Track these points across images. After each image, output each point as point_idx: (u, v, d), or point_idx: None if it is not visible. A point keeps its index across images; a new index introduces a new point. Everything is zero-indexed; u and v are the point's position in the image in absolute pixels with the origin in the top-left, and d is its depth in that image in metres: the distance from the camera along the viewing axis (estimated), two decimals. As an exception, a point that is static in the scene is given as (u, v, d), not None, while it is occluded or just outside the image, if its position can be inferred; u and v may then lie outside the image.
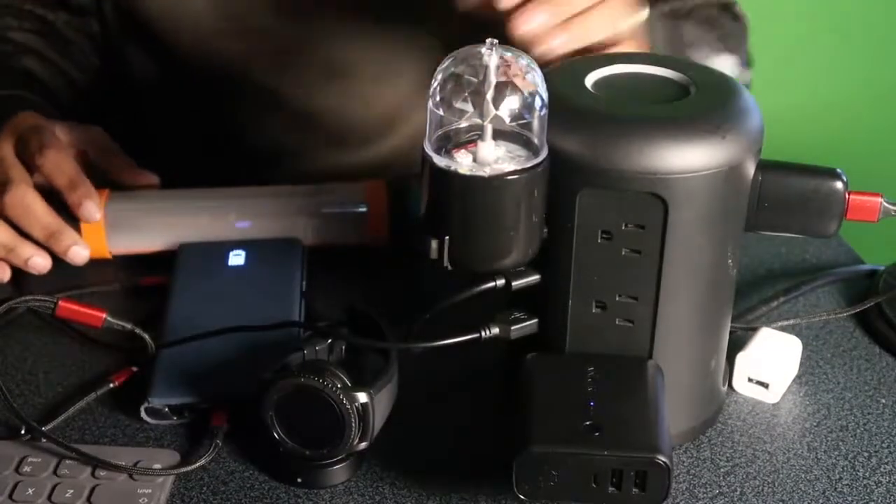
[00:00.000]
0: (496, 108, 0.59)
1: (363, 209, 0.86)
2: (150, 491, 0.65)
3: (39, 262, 0.82)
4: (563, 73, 0.67)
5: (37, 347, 0.78)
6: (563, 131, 0.61)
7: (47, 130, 0.85)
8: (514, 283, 0.64)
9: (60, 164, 0.83)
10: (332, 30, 0.96)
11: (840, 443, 0.71)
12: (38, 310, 0.78)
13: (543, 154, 0.60)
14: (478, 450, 0.68)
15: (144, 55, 1.03)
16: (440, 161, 0.59)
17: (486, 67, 0.58)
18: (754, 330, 0.76)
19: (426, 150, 0.60)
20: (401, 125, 1.02)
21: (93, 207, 0.82)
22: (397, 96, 1.00)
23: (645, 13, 0.76)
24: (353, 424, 0.63)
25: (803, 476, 0.68)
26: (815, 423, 0.72)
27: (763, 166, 0.65)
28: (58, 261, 0.84)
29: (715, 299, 0.67)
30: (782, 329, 0.77)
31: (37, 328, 0.79)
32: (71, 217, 0.83)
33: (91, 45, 1.05)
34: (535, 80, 0.59)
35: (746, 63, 1.02)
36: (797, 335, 0.76)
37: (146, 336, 0.75)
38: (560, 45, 0.71)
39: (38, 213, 0.81)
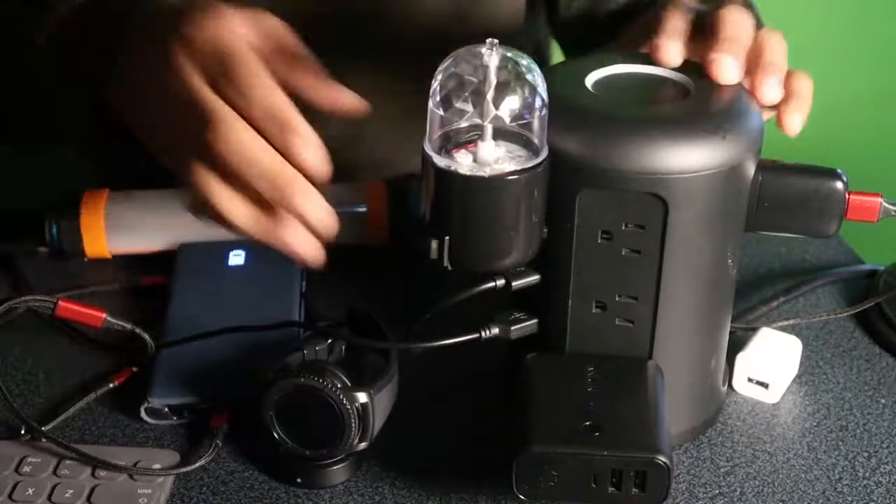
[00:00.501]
0: (496, 108, 0.59)
1: (363, 209, 0.86)
2: (149, 491, 0.65)
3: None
4: (563, 73, 0.67)
5: (37, 347, 0.78)
6: (563, 131, 0.61)
7: (241, 51, 0.63)
8: (514, 283, 0.64)
9: (271, 106, 0.62)
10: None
11: (840, 443, 0.71)
12: (38, 310, 0.77)
13: (544, 154, 0.60)
14: (478, 450, 0.68)
15: None
16: (440, 161, 0.59)
17: (487, 67, 0.58)
18: (754, 330, 0.76)
19: (426, 149, 0.60)
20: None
21: (317, 154, 0.62)
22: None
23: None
24: (353, 424, 0.63)
25: (803, 476, 0.68)
26: (815, 423, 0.72)
27: (763, 166, 0.65)
28: (57, 261, 0.84)
29: (715, 299, 0.67)
30: (782, 329, 0.77)
31: (37, 328, 0.79)
32: None
33: None
34: (535, 81, 0.59)
35: None
36: (797, 335, 0.76)
37: (146, 336, 0.75)
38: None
39: (264, 155, 0.62)
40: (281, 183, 0.61)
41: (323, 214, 0.63)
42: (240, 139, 0.61)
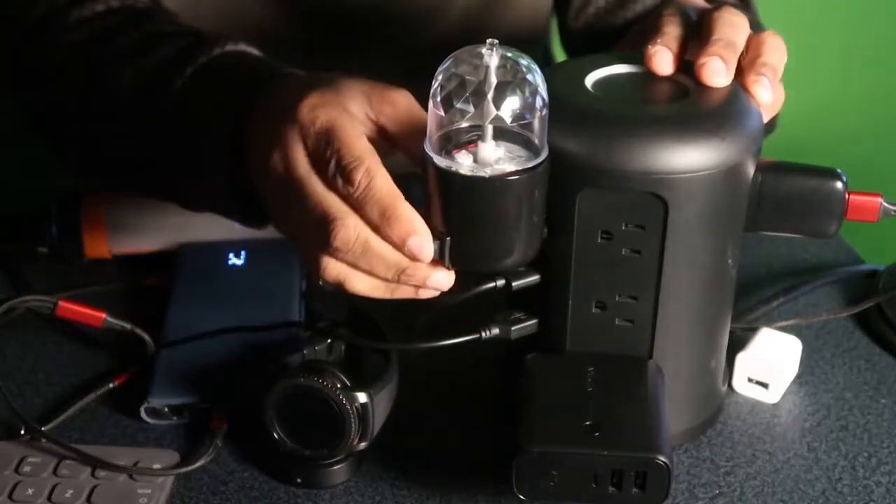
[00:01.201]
0: (497, 108, 0.59)
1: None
2: (149, 491, 0.65)
3: (443, 279, 0.62)
4: (563, 73, 0.67)
5: (37, 347, 0.78)
6: (563, 131, 0.61)
7: (348, 133, 0.61)
8: (514, 283, 0.64)
9: (376, 194, 0.60)
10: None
11: (840, 443, 0.71)
12: (38, 310, 0.77)
13: (544, 154, 0.60)
14: (478, 450, 0.68)
15: None
16: (441, 161, 0.59)
17: (487, 67, 0.58)
18: (754, 330, 0.76)
19: (427, 150, 0.60)
20: None
21: (420, 244, 0.60)
22: None
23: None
24: (353, 424, 0.63)
25: (803, 476, 0.68)
26: (815, 423, 0.72)
27: (763, 166, 0.65)
28: (57, 261, 0.84)
29: (715, 299, 0.67)
30: (782, 329, 0.77)
31: (37, 328, 0.79)
32: None
33: None
34: (535, 81, 0.59)
35: None
36: (797, 335, 0.76)
37: (146, 336, 0.75)
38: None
39: (380, 249, 0.61)
40: (401, 272, 0.61)
41: (444, 286, 0.62)
42: (353, 236, 0.60)
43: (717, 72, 0.65)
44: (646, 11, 0.93)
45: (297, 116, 0.62)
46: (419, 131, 0.62)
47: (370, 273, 0.62)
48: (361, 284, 0.62)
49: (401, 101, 0.64)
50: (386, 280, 0.62)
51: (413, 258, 0.60)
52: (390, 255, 0.61)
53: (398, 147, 0.64)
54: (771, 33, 0.69)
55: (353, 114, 0.63)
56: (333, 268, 0.62)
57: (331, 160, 0.61)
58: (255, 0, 0.96)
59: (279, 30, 0.97)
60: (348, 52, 0.95)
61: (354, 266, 0.61)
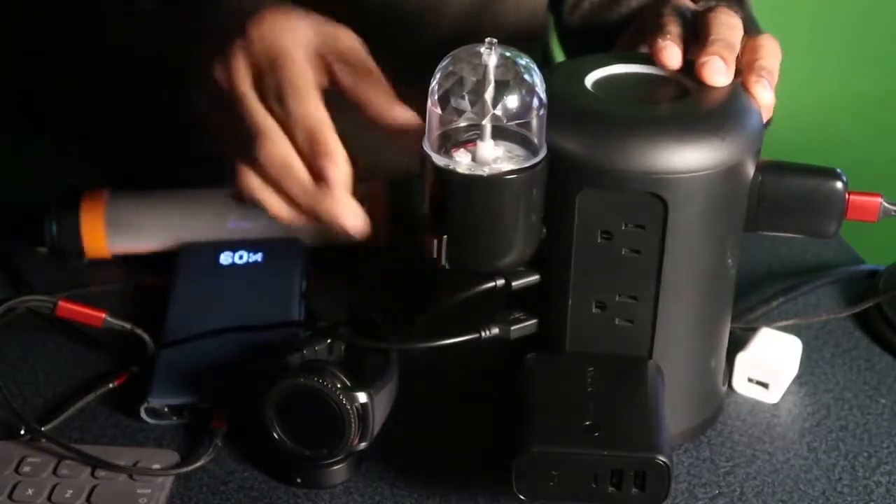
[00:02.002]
0: (495, 107, 0.59)
1: (363, 209, 0.86)
2: (149, 491, 0.65)
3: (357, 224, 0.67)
4: (563, 73, 0.67)
5: (37, 347, 0.78)
6: (562, 131, 0.61)
7: (292, 61, 0.67)
8: (514, 283, 0.64)
9: (309, 126, 0.66)
10: None
11: (840, 443, 0.71)
12: (38, 310, 0.78)
13: (542, 153, 0.60)
14: (478, 450, 0.68)
15: None
16: (439, 160, 0.59)
17: (486, 67, 0.58)
18: (754, 330, 0.76)
19: (425, 149, 0.60)
20: None
21: (335, 170, 0.65)
22: None
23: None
24: (353, 424, 0.63)
25: (803, 476, 0.68)
26: (815, 423, 0.72)
27: (763, 166, 0.65)
28: (57, 261, 0.84)
29: (715, 299, 0.67)
30: (782, 329, 0.77)
31: (37, 328, 0.79)
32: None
33: None
34: (533, 80, 0.59)
35: None
36: (797, 335, 0.76)
37: (146, 336, 0.75)
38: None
39: (298, 170, 0.66)
40: (313, 196, 0.66)
41: (354, 220, 0.67)
42: (278, 153, 0.65)
43: (717, 71, 0.65)
44: (640, 7, 0.94)
45: (247, 35, 0.67)
46: (359, 73, 0.68)
47: (286, 194, 0.67)
48: (275, 203, 0.68)
49: (346, 42, 0.69)
50: (298, 206, 0.67)
51: (326, 183, 0.65)
52: (307, 179, 0.66)
53: (338, 83, 0.68)
54: (767, 36, 0.70)
55: (301, 44, 0.67)
56: (253, 181, 0.67)
57: (272, 83, 0.66)
58: None
59: None
60: None
61: (274, 185, 0.67)
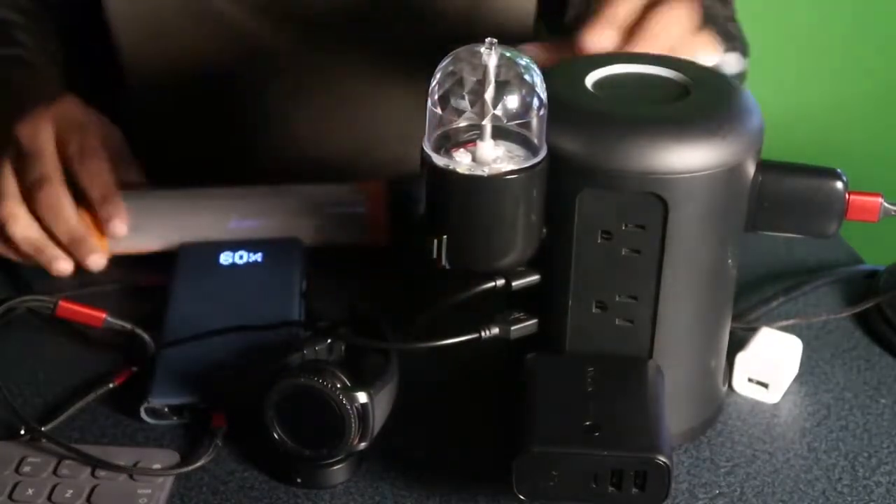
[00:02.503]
0: (495, 107, 0.59)
1: (363, 209, 0.86)
2: (149, 491, 0.65)
3: (64, 266, 0.83)
4: (563, 73, 0.67)
5: (37, 347, 0.78)
6: (562, 131, 0.61)
7: (90, 132, 0.85)
8: (514, 283, 0.64)
9: (97, 176, 0.83)
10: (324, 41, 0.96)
11: (840, 443, 0.71)
12: (38, 310, 0.78)
13: (542, 154, 0.60)
14: (478, 450, 0.68)
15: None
16: (439, 160, 0.59)
17: (486, 67, 0.58)
18: (754, 330, 0.76)
19: (425, 149, 0.60)
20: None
21: (121, 225, 0.83)
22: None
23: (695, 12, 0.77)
24: (353, 424, 0.63)
25: (803, 476, 0.68)
26: (815, 423, 0.72)
27: (763, 166, 0.65)
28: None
29: (715, 299, 0.67)
30: (782, 329, 0.77)
31: (37, 328, 0.79)
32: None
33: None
34: (533, 80, 0.59)
35: (744, 53, 1.02)
36: (797, 335, 0.76)
37: (146, 336, 0.75)
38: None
39: (66, 216, 0.82)
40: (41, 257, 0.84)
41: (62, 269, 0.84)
42: (13, 221, 0.82)
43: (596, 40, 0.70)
44: None
45: (57, 109, 0.85)
46: (119, 159, 0.87)
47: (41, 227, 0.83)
48: (8, 254, 0.84)
49: (115, 132, 0.89)
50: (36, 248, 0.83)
51: (111, 235, 0.83)
52: (73, 221, 0.82)
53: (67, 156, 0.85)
54: (674, 6, 0.74)
55: (47, 130, 0.84)
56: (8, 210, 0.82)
57: (70, 143, 0.84)
58: (243, 7, 0.96)
59: (271, 32, 0.97)
60: (333, 52, 0.96)
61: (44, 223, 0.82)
